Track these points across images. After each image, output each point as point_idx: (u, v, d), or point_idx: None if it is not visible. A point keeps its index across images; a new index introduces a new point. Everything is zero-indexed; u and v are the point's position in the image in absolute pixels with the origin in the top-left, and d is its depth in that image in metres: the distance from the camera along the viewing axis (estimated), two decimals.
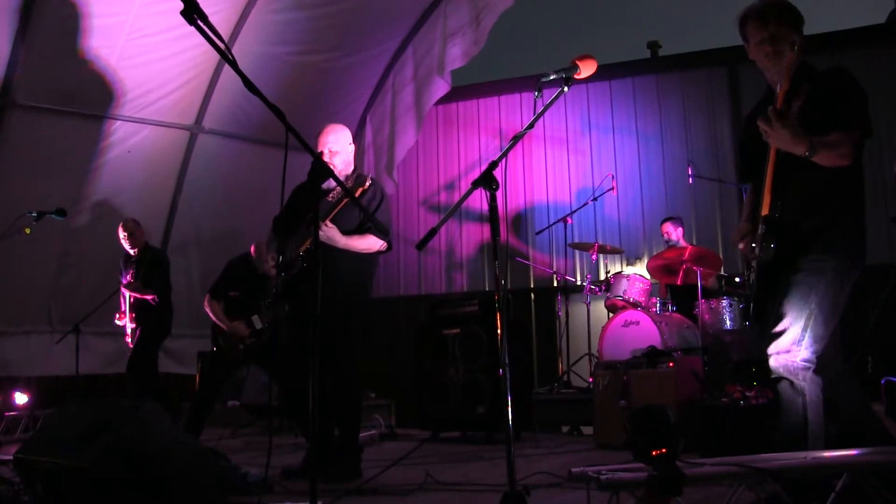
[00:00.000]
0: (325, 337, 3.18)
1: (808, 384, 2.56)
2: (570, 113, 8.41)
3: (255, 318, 4.98)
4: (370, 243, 3.93)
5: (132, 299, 5.95)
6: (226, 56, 2.17)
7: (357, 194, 3.84)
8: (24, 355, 7.04)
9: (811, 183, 2.61)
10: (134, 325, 5.94)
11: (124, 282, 5.99)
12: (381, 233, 3.91)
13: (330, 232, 3.78)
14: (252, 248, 5.25)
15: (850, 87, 2.64)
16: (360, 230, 3.92)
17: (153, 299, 5.89)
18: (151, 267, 5.95)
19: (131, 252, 6.04)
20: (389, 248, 4.03)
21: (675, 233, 6.73)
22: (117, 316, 6.05)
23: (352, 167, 4.10)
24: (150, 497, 2.71)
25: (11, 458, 3.22)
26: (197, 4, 2.10)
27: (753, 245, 2.72)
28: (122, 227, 6.04)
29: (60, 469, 2.80)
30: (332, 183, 3.89)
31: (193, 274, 7.77)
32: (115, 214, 7.14)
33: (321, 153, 3.82)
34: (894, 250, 6.72)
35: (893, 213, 6.45)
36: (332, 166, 3.78)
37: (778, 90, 2.64)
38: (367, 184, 3.95)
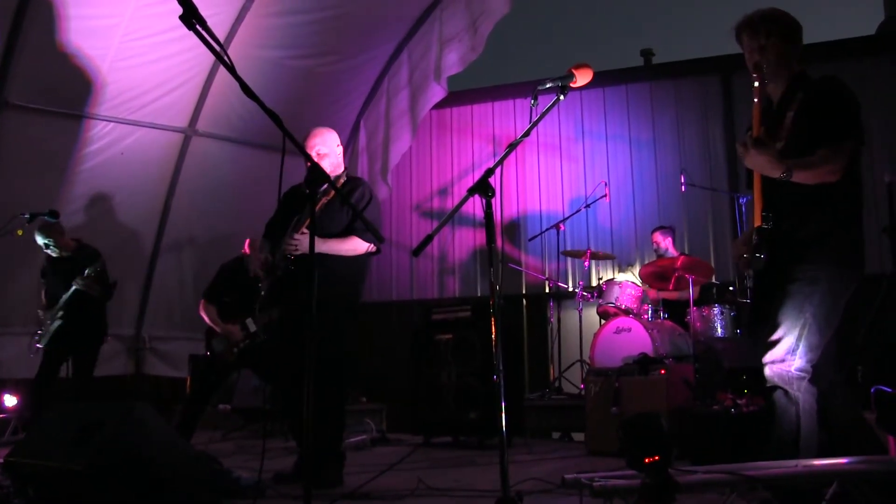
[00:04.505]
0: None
1: (802, 393, 2.57)
2: (564, 120, 8.43)
3: (248, 321, 4.97)
4: (354, 245, 3.91)
5: None
6: (224, 62, 2.17)
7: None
8: (14, 357, 6.99)
9: (803, 193, 2.63)
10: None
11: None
12: (366, 233, 3.87)
13: (305, 241, 3.73)
14: (246, 244, 5.23)
15: (841, 96, 2.65)
16: (345, 232, 3.91)
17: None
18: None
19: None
20: (378, 250, 4.00)
21: (664, 242, 6.76)
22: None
23: (342, 168, 4.10)
24: (143, 500, 2.70)
25: (2, 461, 3.20)
26: (196, 9, 2.10)
27: (745, 255, 2.74)
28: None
29: (52, 472, 2.79)
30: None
31: (186, 276, 7.74)
32: (107, 216, 7.13)
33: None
34: (886, 260, 6.75)
35: (885, 223, 6.48)
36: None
37: (754, 106, 2.67)
38: (343, 180, 3.99)
